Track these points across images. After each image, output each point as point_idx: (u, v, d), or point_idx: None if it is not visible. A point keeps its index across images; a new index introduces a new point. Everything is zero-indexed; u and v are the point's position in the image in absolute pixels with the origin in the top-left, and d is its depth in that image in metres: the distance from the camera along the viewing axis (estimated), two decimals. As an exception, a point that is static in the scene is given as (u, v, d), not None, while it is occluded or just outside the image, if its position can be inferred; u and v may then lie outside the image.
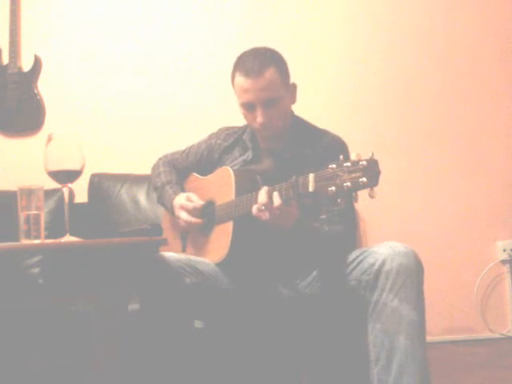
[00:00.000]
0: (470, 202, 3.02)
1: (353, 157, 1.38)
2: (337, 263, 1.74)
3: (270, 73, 1.81)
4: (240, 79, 1.84)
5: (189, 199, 1.96)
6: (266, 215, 1.62)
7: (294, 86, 1.93)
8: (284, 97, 1.86)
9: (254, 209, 1.64)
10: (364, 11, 3.05)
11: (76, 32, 3.01)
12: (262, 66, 1.81)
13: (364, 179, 1.33)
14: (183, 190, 2.08)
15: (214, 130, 2.14)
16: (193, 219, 1.93)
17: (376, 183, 1.33)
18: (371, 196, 1.34)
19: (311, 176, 1.48)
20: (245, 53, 1.90)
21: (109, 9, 3.03)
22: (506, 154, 3.05)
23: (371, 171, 1.33)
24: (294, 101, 1.94)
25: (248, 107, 1.85)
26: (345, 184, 1.37)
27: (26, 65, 2.97)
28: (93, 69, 3.00)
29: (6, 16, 2.95)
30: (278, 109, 1.84)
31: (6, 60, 2.96)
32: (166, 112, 2.99)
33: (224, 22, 3.03)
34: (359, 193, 1.38)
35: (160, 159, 2.22)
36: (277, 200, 1.58)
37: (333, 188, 1.40)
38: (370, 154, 1.35)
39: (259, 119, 1.83)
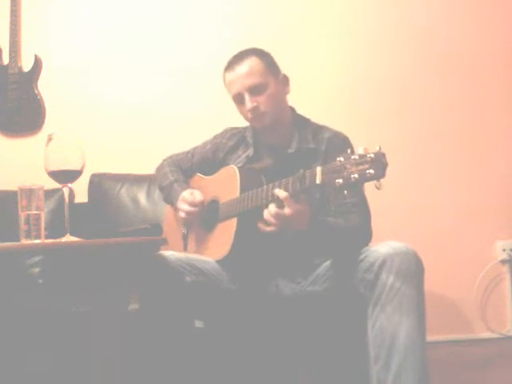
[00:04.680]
0: (469, 201, 3.02)
1: (360, 151, 1.39)
2: (354, 256, 1.74)
3: (250, 60, 1.89)
4: (227, 74, 1.93)
5: (192, 194, 1.99)
6: (276, 224, 1.62)
7: (286, 78, 1.96)
8: (271, 84, 1.89)
9: (263, 225, 1.65)
10: (364, 12, 3.05)
11: (76, 32, 3.01)
12: (243, 56, 1.91)
13: (371, 171, 1.35)
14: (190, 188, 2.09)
15: (215, 130, 2.15)
16: (191, 208, 1.96)
17: (383, 175, 1.34)
18: (378, 188, 1.35)
19: (318, 169, 1.49)
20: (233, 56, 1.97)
21: (109, 9, 3.03)
22: (506, 154, 3.05)
23: (378, 163, 1.34)
24: (286, 92, 1.96)
25: (238, 99, 1.90)
26: (352, 176, 1.38)
27: (26, 65, 2.97)
28: (93, 69, 3.00)
29: (6, 16, 2.95)
30: (266, 96, 1.87)
31: (6, 60, 2.96)
32: (166, 112, 2.99)
33: (225, 23, 3.02)
34: (366, 186, 1.39)
35: (164, 160, 2.23)
36: (282, 194, 1.59)
37: (340, 180, 1.41)
38: (378, 148, 1.36)
39: (248, 105, 1.87)
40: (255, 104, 1.86)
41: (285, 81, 1.96)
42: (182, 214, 1.99)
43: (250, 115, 1.89)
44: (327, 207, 1.82)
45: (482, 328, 2.96)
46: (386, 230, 2.89)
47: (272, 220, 1.62)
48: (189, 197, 1.98)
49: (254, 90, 1.86)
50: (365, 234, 1.86)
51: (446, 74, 3.05)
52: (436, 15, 3.06)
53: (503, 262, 3.00)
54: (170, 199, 2.11)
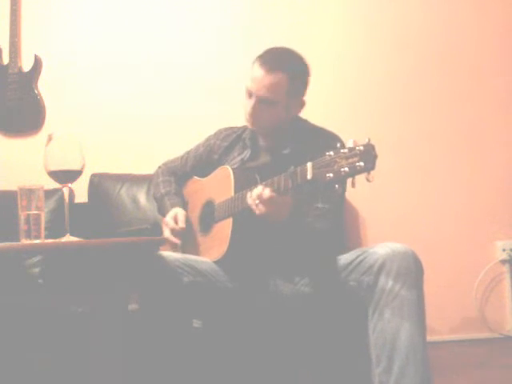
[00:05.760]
0: (469, 201, 3.02)
1: (350, 143, 1.38)
2: (337, 261, 1.74)
3: (279, 76, 1.83)
4: (255, 67, 1.87)
5: (175, 219, 1.99)
6: (259, 207, 1.63)
7: (303, 102, 1.93)
8: (282, 104, 1.86)
9: (249, 200, 1.66)
10: (363, 11, 3.05)
11: (76, 32, 3.01)
12: (277, 66, 1.84)
13: (361, 163, 1.34)
14: (182, 199, 2.11)
15: (214, 129, 2.15)
16: (171, 238, 1.97)
17: (373, 167, 1.33)
18: (368, 180, 1.34)
19: (309, 164, 1.49)
20: (274, 47, 1.93)
21: (109, 9, 3.03)
22: (506, 154, 3.05)
23: (368, 155, 1.34)
24: (294, 113, 1.93)
25: (249, 94, 1.88)
26: (342, 169, 1.37)
27: (26, 65, 2.97)
28: (93, 69, 3.00)
29: (6, 16, 2.95)
30: (270, 112, 1.86)
31: (6, 60, 2.96)
32: (166, 112, 2.99)
33: (225, 23, 3.02)
34: (358, 181, 1.39)
35: (159, 167, 2.23)
36: (266, 192, 1.60)
37: (331, 174, 1.40)
38: (367, 140, 1.36)
39: (248, 109, 1.86)
40: (254, 111, 1.85)
41: (298, 105, 1.92)
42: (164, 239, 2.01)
43: (247, 115, 1.90)
44: (303, 209, 1.81)
45: (482, 328, 2.96)
46: (386, 230, 2.91)
47: (255, 201, 1.63)
48: (170, 222, 1.98)
49: (263, 101, 1.84)
50: (331, 241, 1.85)
51: (445, 75, 3.05)
52: (436, 15, 3.06)
53: (503, 261, 3.00)
54: (160, 212, 2.14)
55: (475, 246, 2.99)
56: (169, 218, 2.00)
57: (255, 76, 1.85)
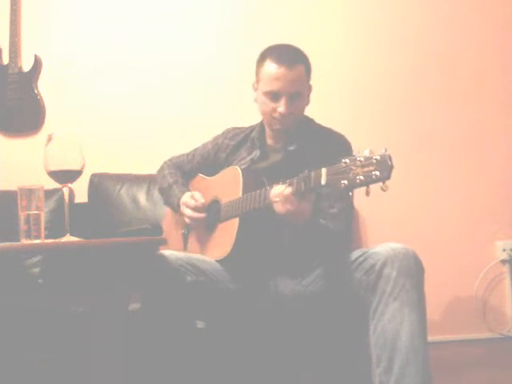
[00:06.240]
0: (469, 201, 3.02)
1: (366, 152, 1.39)
2: (339, 261, 1.75)
3: (300, 68, 1.88)
4: (272, 66, 1.87)
5: (193, 197, 1.98)
6: (286, 206, 1.61)
7: (311, 87, 1.97)
8: (305, 95, 1.93)
9: (275, 199, 1.63)
10: (363, 11, 3.05)
11: (76, 32, 3.01)
12: (296, 59, 1.88)
13: (377, 173, 1.34)
14: (189, 190, 2.09)
15: (215, 130, 2.15)
16: (195, 214, 1.95)
17: (388, 177, 1.34)
18: (383, 189, 1.35)
19: (324, 170, 1.49)
20: (277, 45, 1.94)
21: (109, 9, 3.03)
22: (505, 154, 3.05)
23: (384, 165, 1.34)
24: (308, 102, 1.98)
25: (272, 96, 1.88)
26: (357, 177, 1.38)
27: (26, 65, 2.97)
28: (93, 69, 3.00)
29: (6, 16, 2.95)
30: (299, 104, 1.90)
31: (6, 60, 2.96)
32: (166, 112, 2.99)
33: (225, 23, 3.02)
34: (371, 188, 1.39)
35: (165, 162, 2.23)
36: (288, 190, 1.60)
37: (345, 181, 1.41)
38: (384, 150, 1.36)
39: (282, 109, 1.85)
40: (287, 109, 1.85)
41: (310, 90, 1.97)
42: (187, 220, 1.99)
43: (277, 116, 1.88)
44: (327, 208, 1.82)
45: (482, 328, 2.96)
46: (386, 230, 2.91)
47: (278, 199, 1.62)
48: (190, 201, 1.97)
49: (293, 96, 1.86)
50: (346, 241, 1.87)
51: (444, 76, 3.04)
52: (436, 15, 3.06)
53: (503, 261, 3.00)
54: (169, 202, 2.12)
55: (475, 246, 3.00)
56: (187, 198, 1.98)
57: (278, 75, 1.85)
